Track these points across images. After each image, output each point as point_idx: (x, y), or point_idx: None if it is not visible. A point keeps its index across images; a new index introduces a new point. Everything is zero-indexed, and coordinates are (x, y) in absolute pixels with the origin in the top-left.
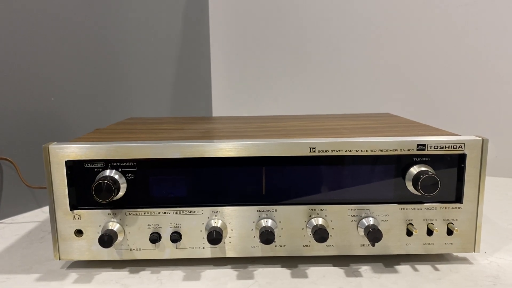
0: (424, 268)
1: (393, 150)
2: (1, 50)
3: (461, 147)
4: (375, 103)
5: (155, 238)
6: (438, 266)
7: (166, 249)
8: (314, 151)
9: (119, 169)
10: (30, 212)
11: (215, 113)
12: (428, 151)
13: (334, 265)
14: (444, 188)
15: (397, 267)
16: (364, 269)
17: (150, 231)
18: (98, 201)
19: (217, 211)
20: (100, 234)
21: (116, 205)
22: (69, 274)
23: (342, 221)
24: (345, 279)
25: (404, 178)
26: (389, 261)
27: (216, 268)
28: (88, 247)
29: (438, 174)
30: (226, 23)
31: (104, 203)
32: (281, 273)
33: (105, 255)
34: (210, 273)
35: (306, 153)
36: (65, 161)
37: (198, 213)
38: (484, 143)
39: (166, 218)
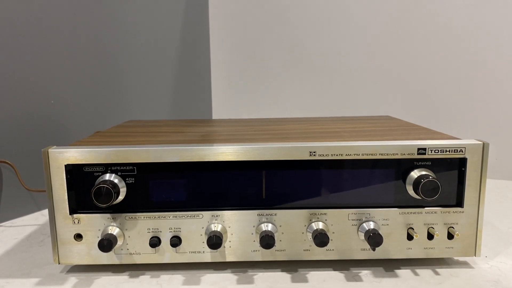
0: (425, 273)
1: (393, 154)
2: (0, 53)
3: (462, 151)
4: (375, 104)
5: (154, 242)
6: (438, 270)
7: (166, 253)
8: (314, 155)
9: (119, 173)
10: (30, 215)
11: (215, 115)
12: (429, 155)
13: (334, 270)
14: (445, 192)
15: (398, 271)
16: (365, 273)
17: (150, 235)
18: (97, 205)
19: (217, 215)
20: (99, 238)
21: (116, 209)
22: (69, 278)
23: (343, 225)
24: (345, 283)
25: (404, 182)
26: (389, 265)
27: (216, 272)
28: (87, 251)
29: (438, 178)
30: (226, 25)
31: (103, 207)
32: (281, 277)
33: (104, 259)
34: (210, 278)
35: (306, 157)
36: (65, 165)
37: (198, 217)
38: (484, 147)
39: (166, 222)
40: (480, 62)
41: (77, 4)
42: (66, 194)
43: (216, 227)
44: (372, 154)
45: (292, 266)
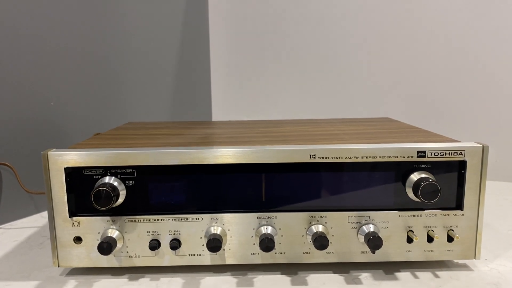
0: (425, 275)
1: (393, 157)
2: (0, 55)
3: (462, 154)
4: (375, 106)
5: (154, 245)
6: (438, 273)
7: (166, 256)
8: (314, 157)
9: (118, 176)
10: (29, 217)
11: (214, 117)
12: (429, 158)
13: (334, 272)
14: (445, 195)
15: (398, 274)
16: (364, 276)
17: (150, 238)
18: (97, 208)
19: (216, 218)
20: (99, 241)
21: (116, 212)
22: (68, 281)
23: (342, 228)
24: (345, 286)
25: (404, 185)
26: (389, 268)
27: (215, 275)
28: (87, 254)
29: (438, 181)
30: (226, 26)
31: (103, 210)
32: (281, 280)
33: (104, 262)
34: (209, 280)
35: (306, 159)
36: (64, 168)
37: (197, 220)
38: (484, 149)
39: (166, 225)
40: (479, 64)
41: (76, 6)
42: (66, 197)
43: (216, 230)
44: (372, 157)
45: (292, 269)
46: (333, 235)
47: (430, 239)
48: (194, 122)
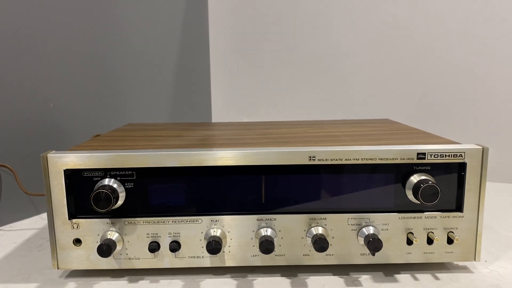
0: (425, 277)
1: (393, 158)
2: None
3: (462, 156)
4: (374, 107)
5: (154, 247)
6: (438, 275)
7: (165, 258)
8: (313, 159)
9: (118, 178)
10: (29, 219)
11: (214, 118)
12: (428, 159)
13: (334, 274)
14: (445, 197)
15: (397, 276)
16: (364, 278)
17: (149, 240)
18: (96, 210)
19: (216, 220)
20: (98, 243)
21: (115, 214)
22: (68, 283)
23: (342, 230)
24: None
25: (404, 186)
26: (389, 270)
27: (215, 277)
28: (86, 256)
29: (438, 183)
30: (225, 27)
31: (102, 212)
32: (281, 282)
33: (104, 264)
34: (209, 283)
35: (305, 161)
36: (64, 170)
37: (197, 222)
38: (484, 151)
39: (165, 227)
40: (479, 65)
41: (76, 7)
42: (65, 199)
43: (216, 232)
44: (371, 159)
45: (291, 271)
46: (333, 237)
47: (430, 241)
48: (194, 123)
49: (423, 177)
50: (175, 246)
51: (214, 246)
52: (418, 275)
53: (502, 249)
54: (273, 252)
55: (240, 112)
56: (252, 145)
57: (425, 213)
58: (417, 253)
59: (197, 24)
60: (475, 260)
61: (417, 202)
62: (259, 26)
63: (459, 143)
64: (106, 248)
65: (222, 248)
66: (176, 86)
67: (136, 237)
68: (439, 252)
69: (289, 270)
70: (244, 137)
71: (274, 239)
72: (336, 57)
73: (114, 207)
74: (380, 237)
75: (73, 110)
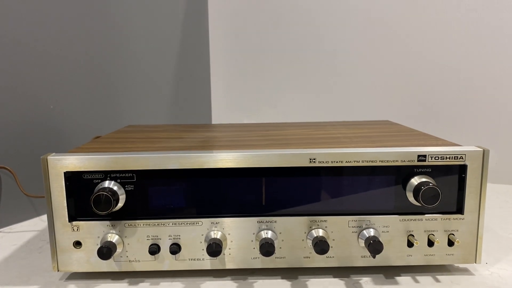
0: (425, 280)
1: (393, 161)
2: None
3: (462, 158)
4: (374, 108)
5: (154, 249)
6: (439, 277)
7: (166, 261)
8: (314, 162)
9: (118, 180)
10: (29, 221)
11: (214, 119)
12: (429, 162)
13: (334, 277)
14: (445, 199)
15: (398, 278)
16: (365, 280)
17: (149, 242)
18: (97, 213)
19: (216, 223)
20: (99, 245)
21: (115, 217)
22: (68, 285)
23: (343, 232)
24: None
25: (404, 189)
26: (390, 272)
27: (215, 279)
28: (87, 259)
29: (439, 185)
30: (225, 28)
31: (103, 214)
32: (281, 284)
33: (104, 266)
34: (209, 285)
35: (306, 164)
36: (64, 172)
37: (197, 224)
38: (485, 153)
39: (165, 230)
40: (480, 66)
41: (75, 9)
42: (65, 201)
43: (216, 234)
44: (372, 161)
45: (292, 273)
46: (333, 240)
47: (430, 243)
48: (194, 125)
49: (424, 179)
50: (175, 249)
51: (215, 248)
52: (418, 277)
53: (502, 251)
54: (274, 255)
55: (240, 113)
56: (253, 147)
57: (426, 215)
58: (417, 255)
59: (197, 25)
60: (475, 262)
61: (418, 204)
62: (260, 27)
63: (460, 145)
64: (106, 251)
65: (223, 251)
66: (176, 87)
67: (136, 239)
68: (439, 254)
69: (289, 273)
70: (244, 139)
71: (275, 242)
72: (336, 58)
73: (114, 210)
74: (380, 239)
75: (73, 112)
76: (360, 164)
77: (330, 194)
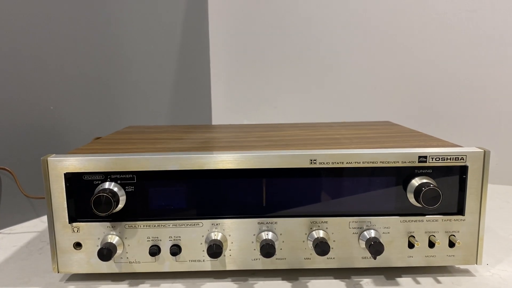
0: (426, 281)
1: (394, 162)
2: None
3: (463, 159)
4: (375, 109)
5: (154, 251)
6: (440, 278)
7: (166, 262)
8: (315, 163)
9: (118, 182)
10: (29, 222)
11: (214, 120)
12: (430, 163)
13: (335, 278)
14: (446, 200)
15: (399, 279)
16: (366, 281)
17: (150, 244)
18: (97, 214)
19: (217, 224)
20: (99, 247)
21: (115, 218)
22: (68, 287)
23: (343, 233)
24: None
25: (405, 190)
26: (390, 274)
27: (216, 281)
28: (87, 260)
29: (439, 186)
30: (225, 29)
31: (103, 216)
32: (282, 286)
33: (104, 268)
34: (210, 286)
35: (307, 165)
36: (64, 174)
37: (198, 225)
38: (486, 154)
39: (166, 231)
40: (480, 67)
41: (75, 9)
42: (66, 202)
43: (216, 235)
44: (372, 162)
45: (292, 274)
46: (334, 241)
47: (431, 244)
48: (194, 126)
49: (425, 180)
50: (175, 250)
51: (215, 249)
52: (419, 279)
53: (503, 252)
54: (274, 256)
55: (240, 114)
56: (253, 148)
57: (427, 216)
58: (418, 257)
59: (197, 26)
60: (476, 264)
61: (419, 205)
62: (260, 27)
63: (461, 146)
64: (106, 252)
65: (223, 252)
66: (176, 88)
67: (136, 240)
68: (440, 255)
69: (290, 274)
70: (244, 140)
71: (275, 243)
72: (337, 59)
73: (114, 211)
74: (381, 240)
75: (73, 113)
76: (361, 165)
77: (331, 195)
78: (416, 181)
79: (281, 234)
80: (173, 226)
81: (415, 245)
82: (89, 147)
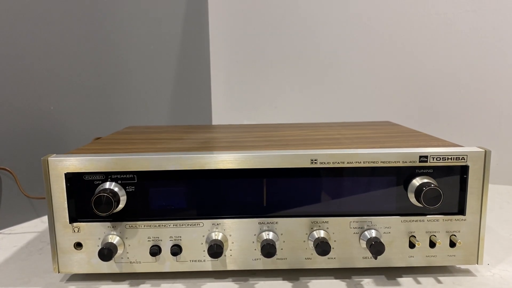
0: (427, 281)
1: (395, 162)
2: (0, 58)
3: (464, 159)
4: (375, 109)
5: (155, 251)
6: (441, 278)
7: (166, 262)
8: (315, 162)
9: (119, 182)
10: (29, 222)
11: (214, 120)
12: (431, 162)
13: (336, 278)
14: (447, 200)
15: (400, 279)
16: (366, 281)
17: (150, 244)
18: (97, 214)
19: (217, 224)
20: (99, 247)
21: (116, 218)
22: (69, 287)
23: (344, 233)
24: None
25: (406, 190)
26: (391, 274)
27: (216, 281)
28: (87, 260)
29: (440, 186)
30: (226, 29)
31: (103, 216)
32: (282, 286)
33: (105, 268)
34: (210, 286)
35: (307, 165)
36: (65, 174)
37: (198, 225)
38: (486, 154)
39: (166, 231)
40: (480, 67)
41: (75, 9)
42: (66, 202)
43: (217, 235)
44: (373, 162)
45: (293, 274)
46: (335, 241)
47: (432, 244)
48: (194, 126)
49: (425, 180)
50: (176, 250)
51: (216, 249)
52: (420, 279)
53: (504, 252)
54: (275, 256)
55: (240, 114)
56: (253, 148)
57: (427, 216)
58: (419, 257)
59: (197, 26)
60: (477, 264)
61: (419, 205)
62: (260, 27)
63: (461, 146)
64: (107, 252)
65: (224, 252)
66: (176, 88)
67: (137, 240)
68: (441, 255)
69: (291, 274)
70: (245, 140)
71: (276, 243)
72: (337, 58)
73: (115, 211)
74: (382, 240)
75: (73, 113)
76: (362, 165)
77: (332, 195)
78: (417, 181)
79: (281, 234)
80: (174, 226)
81: (416, 245)
82: (89, 147)
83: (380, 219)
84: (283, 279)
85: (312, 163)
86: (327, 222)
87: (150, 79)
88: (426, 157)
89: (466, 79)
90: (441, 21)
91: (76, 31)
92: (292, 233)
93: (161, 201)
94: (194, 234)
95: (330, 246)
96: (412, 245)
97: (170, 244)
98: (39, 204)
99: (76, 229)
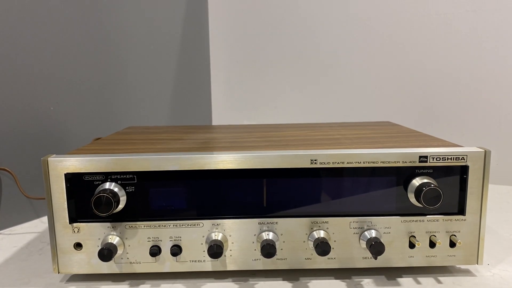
0: (427, 281)
1: (395, 162)
2: (0, 58)
3: (464, 159)
4: (375, 109)
5: (155, 251)
6: (441, 278)
7: (166, 262)
8: (315, 163)
9: (119, 182)
10: (29, 223)
11: (214, 120)
12: (430, 163)
13: (336, 278)
14: (447, 200)
15: (400, 279)
16: (366, 281)
17: (150, 244)
18: (97, 214)
19: (217, 224)
20: (99, 247)
21: (116, 218)
22: (68, 287)
23: (344, 233)
24: None
25: (406, 190)
26: (391, 274)
27: (216, 281)
28: (87, 260)
29: (440, 186)
30: (226, 30)
31: (103, 216)
32: (282, 286)
33: (104, 268)
34: (210, 287)
35: (307, 165)
36: (64, 174)
37: (198, 226)
38: (486, 154)
39: (166, 231)
40: (480, 67)
41: (75, 10)
42: (66, 203)
43: (217, 236)
44: (373, 162)
45: (293, 274)
46: (334, 241)
47: (432, 244)
48: (194, 126)
49: (425, 180)
50: (176, 250)
51: (216, 250)
52: (420, 279)
53: (504, 252)
54: (275, 256)
55: (240, 114)
56: (253, 148)
57: (427, 216)
58: (419, 257)
59: (197, 27)
60: (477, 264)
61: (419, 205)
62: (260, 28)
63: (461, 146)
64: (107, 252)
65: (224, 252)
66: (176, 88)
67: (137, 241)
68: (441, 255)
69: (290, 274)
70: (245, 140)
71: (276, 243)
72: (337, 59)
73: (115, 211)
74: (382, 240)
75: (73, 113)
76: (361, 165)
77: (331, 195)
78: (416, 181)
79: (281, 234)
80: (174, 227)
81: (416, 245)
82: (89, 147)
83: (380, 219)
84: (283, 280)
85: (312, 163)
86: (327, 222)
87: (150, 79)
88: (426, 157)
89: (466, 79)
90: (441, 21)
91: (76, 31)
92: (292, 233)
93: (161, 202)
94: (194, 234)
95: (330, 246)
96: (412, 245)
97: (170, 244)
98: (39, 204)
99: (76, 230)
